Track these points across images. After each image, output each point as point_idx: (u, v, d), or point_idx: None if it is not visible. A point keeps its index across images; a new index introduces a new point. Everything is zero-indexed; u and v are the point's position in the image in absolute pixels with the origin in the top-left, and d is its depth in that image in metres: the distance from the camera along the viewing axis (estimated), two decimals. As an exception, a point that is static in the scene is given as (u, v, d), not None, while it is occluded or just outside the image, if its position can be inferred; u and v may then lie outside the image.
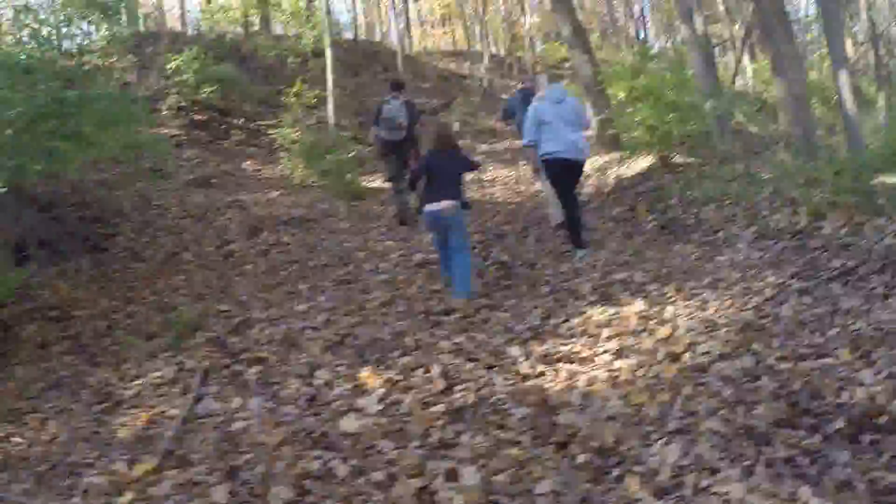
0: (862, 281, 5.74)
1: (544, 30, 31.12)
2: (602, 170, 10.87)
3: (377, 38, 33.41)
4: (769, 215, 7.62)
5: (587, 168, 10.73)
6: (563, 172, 7.59)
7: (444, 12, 36.36)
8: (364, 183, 12.59)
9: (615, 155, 10.89)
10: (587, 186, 10.36)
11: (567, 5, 12.38)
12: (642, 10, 32.27)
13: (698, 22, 11.45)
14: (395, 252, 8.15)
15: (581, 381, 4.43)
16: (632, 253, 7.43)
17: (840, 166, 7.32)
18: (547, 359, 4.91)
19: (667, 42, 27.80)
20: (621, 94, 10.43)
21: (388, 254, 8.13)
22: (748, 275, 6.23)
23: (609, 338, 5.09)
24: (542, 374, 4.68)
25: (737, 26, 23.67)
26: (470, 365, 4.91)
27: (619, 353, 4.79)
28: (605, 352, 4.85)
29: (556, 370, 4.70)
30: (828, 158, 7.56)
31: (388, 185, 10.53)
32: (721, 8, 25.06)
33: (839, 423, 3.64)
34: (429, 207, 6.66)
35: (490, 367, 4.88)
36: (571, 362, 4.81)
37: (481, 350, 5.20)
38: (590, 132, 9.92)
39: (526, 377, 4.66)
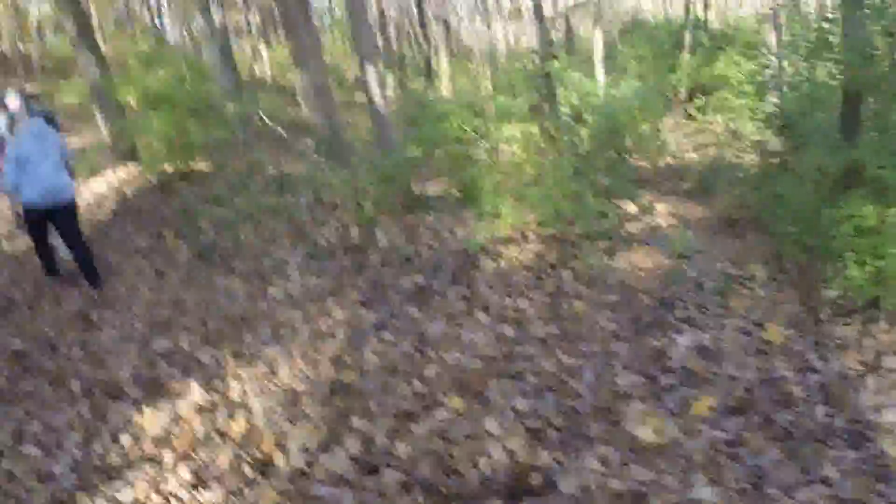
0: (440, 298, 5.43)
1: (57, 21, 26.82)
2: (119, 190, 9.37)
3: None
4: (316, 230, 7.07)
5: (104, 188, 9.42)
6: (45, 219, 6.73)
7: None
8: None
9: (134, 170, 9.51)
10: (104, 213, 8.79)
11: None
12: (158, -2, 30.21)
13: (216, 12, 10.91)
14: None
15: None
16: (171, 301, 6.29)
17: (383, 172, 7.06)
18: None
19: (183, 32, 26.56)
20: (132, 101, 9.18)
21: None
22: (311, 311, 5.60)
23: (177, 460, 3.91)
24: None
25: (253, 13, 23.57)
26: None
27: (197, 484, 3.68)
28: (180, 486, 3.68)
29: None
30: (369, 164, 7.27)
31: None
32: (238, -5, 24.94)
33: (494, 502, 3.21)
34: None
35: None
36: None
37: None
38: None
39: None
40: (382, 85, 8.99)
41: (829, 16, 5.24)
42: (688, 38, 17.27)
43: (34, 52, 24.13)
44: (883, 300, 4.41)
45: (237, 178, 8.59)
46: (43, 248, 6.95)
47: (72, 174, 7.03)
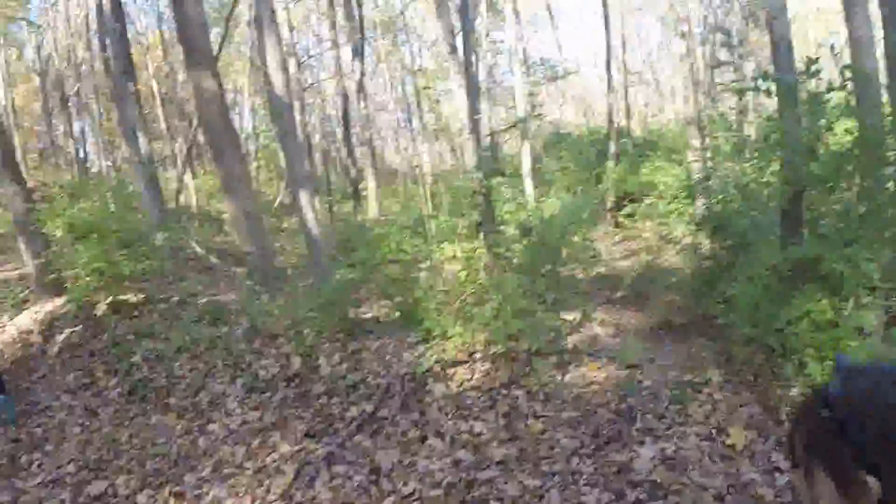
0: (391, 426, 5.33)
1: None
2: (46, 324, 9.08)
3: None
4: (255, 361, 6.93)
5: (29, 323, 9.11)
6: None
7: None
8: None
9: (60, 302, 9.26)
10: (30, 349, 8.52)
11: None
12: (82, 129, 30.17)
13: (142, 142, 11.04)
14: None
15: None
16: (104, 441, 6.06)
17: (322, 297, 7.04)
18: None
19: (109, 161, 26.57)
20: (59, 232, 9.05)
21: None
22: (254, 446, 5.44)
23: None
24: None
25: (178, 143, 24.02)
26: None
27: None
28: None
29: None
30: (307, 290, 7.26)
31: None
32: (163, 126, 25.34)
33: None
34: None
35: None
36: None
37: None
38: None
39: None
40: (314, 209, 9.11)
41: (770, 115, 5.51)
42: (612, 147, 17.90)
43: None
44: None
45: (169, 310, 8.44)
46: None
47: None
